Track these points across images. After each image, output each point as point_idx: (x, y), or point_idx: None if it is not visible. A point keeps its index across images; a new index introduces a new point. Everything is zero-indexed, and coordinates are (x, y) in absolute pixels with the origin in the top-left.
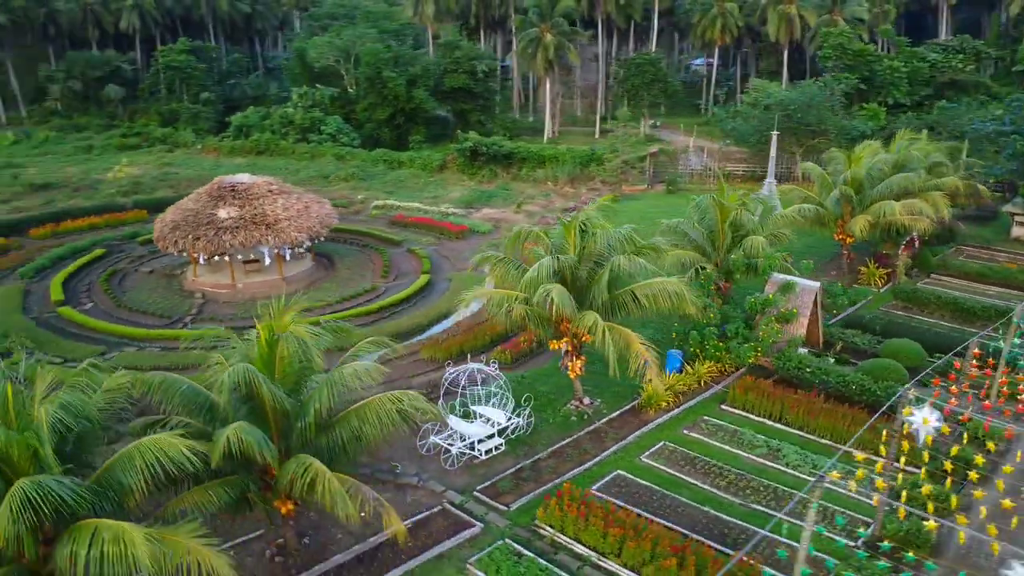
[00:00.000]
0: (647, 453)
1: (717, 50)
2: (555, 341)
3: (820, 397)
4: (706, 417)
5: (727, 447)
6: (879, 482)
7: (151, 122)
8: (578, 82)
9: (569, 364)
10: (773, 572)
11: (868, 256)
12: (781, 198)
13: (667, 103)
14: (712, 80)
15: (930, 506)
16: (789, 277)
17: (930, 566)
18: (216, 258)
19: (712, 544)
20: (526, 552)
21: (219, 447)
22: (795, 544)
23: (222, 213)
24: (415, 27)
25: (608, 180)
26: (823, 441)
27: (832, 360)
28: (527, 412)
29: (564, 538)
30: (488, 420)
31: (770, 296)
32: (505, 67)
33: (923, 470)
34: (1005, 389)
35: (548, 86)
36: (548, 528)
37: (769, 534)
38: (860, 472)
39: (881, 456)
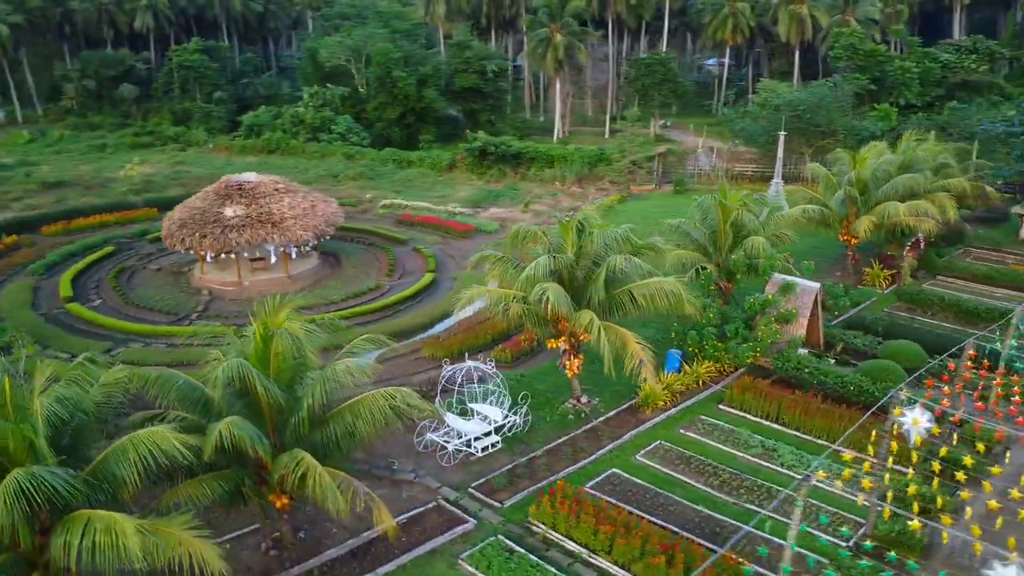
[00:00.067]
0: (643, 452)
1: (730, 50)
2: (553, 340)
3: (817, 398)
4: (703, 417)
5: (723, 447)
6: (865, 482)
7: (164, 121)
8: (589, 82)
9: (567, 363)
10: (756, 568)
11: (873, 257)
12: (787, 199)
13: (678, 103)
14: (724, 80)
15: (915, 507)
16: (789, 278)
17: (912, 566)
18: (223, 256)
19: (702, 542)
20: (518, 548)
21: (211, 441)
22: (778, 540)
23: (229, 211)
24: (427, 27)
25: (616, 180)
26: (819, 441)
27: (832, 361)
28: (524, 410)
29: (556, 535)
30: (485, 418)
31: (770, 296)
32: (517, 67)
33: (911, 471)
34: (999, 391)
35: (558, 86)
36: (540, 525)
37: (752, 530)
38: (847, 472)
39: (869, 456)
